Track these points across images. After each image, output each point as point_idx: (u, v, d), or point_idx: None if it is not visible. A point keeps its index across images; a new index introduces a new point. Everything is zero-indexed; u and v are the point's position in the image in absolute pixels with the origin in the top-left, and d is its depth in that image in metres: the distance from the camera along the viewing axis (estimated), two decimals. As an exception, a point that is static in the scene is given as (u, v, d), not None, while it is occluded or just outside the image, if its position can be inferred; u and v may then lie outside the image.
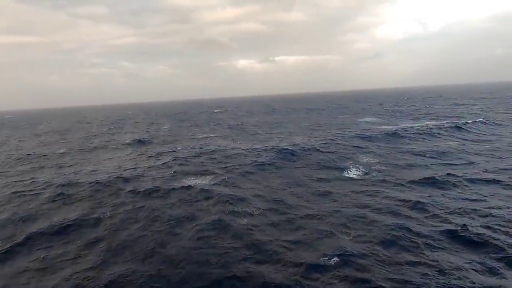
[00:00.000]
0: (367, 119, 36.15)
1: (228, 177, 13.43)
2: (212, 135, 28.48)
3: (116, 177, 13.90)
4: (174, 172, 14.69)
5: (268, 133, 27.81)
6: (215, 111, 76.19)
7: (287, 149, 17.66)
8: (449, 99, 64.68)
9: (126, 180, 13.63)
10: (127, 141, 26.41)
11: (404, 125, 27.73)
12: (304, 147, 18.16)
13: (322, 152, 17.46)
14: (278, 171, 14.45)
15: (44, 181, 14.30)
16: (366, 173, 13.58)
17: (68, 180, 14.01)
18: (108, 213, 10.17)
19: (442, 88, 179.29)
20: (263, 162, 15.53)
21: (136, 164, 17.26)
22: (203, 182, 13.13)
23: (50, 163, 19.06)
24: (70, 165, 18.10)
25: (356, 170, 14.02)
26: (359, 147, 18.54)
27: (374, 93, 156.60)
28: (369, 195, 10.91)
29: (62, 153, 22.76)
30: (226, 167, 15.28)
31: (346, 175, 13.58)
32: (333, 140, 20.52)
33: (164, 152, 20.24)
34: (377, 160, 15.47)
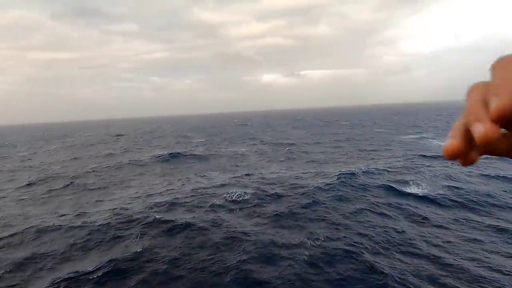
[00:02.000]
0: (424, 135, 32.46)
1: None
2: (253, 154, 25.66)
3: (150, 208, 11.35)
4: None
5: (315, 152, 24.84)
6: (244, 124, 74.15)
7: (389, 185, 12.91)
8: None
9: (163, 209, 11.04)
10: (159, 156, 24.13)
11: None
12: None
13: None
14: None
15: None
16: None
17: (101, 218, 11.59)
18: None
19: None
20: (362, 208, 12.55)
21: (173, 188, 14.72)
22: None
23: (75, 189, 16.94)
24: (97, 188, 15.86)
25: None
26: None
27: (403, 107, 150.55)
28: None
29: (87, 172, 20.74)
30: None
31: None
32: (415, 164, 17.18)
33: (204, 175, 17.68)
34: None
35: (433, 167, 16.07)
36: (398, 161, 17.96)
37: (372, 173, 14.76)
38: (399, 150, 22.32)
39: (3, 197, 14.94)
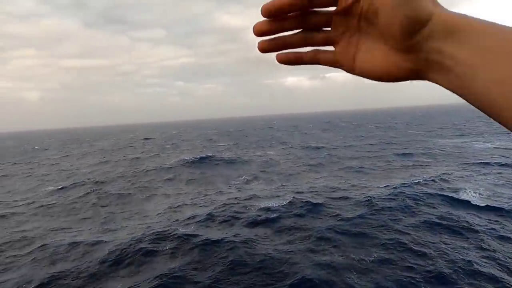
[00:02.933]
0: (464, 139, 30.15)
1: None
2: (283, 159, 24.48)
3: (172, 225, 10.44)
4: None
5: (348, 158, 23.34)
6: (269, 127, 73.08)
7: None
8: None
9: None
10: (186, 161, 23.39)
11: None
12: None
13: None
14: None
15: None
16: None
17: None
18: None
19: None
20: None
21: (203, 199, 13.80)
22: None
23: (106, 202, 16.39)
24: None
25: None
26: None
27: (427, 109, 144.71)
28: None
29: (117, 177, 20.26)
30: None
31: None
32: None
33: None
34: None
35: (488, 174, 14.36)
36: (449, 168, 16.29)
37: (421, 182, 13.24)
38: (443, 156, 20.50)
39: (32, 202, 14.56)
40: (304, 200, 11.36)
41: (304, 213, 10.31)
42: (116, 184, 17.30)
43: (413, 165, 18.02)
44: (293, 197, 11.99)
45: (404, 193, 11.58)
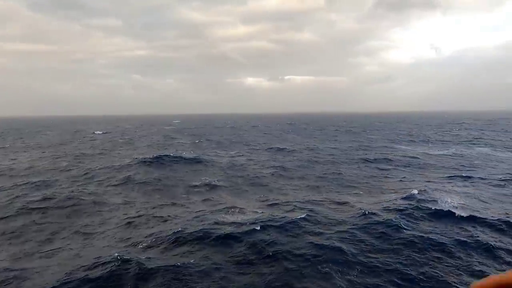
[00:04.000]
0: (451, 149, 30.42)
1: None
2: (251, 163, 22.66)
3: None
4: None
5: (325, 163, 22.15)
6: (231, 126, 71.11)
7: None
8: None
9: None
10: (142, 161, 20.74)
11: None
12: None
13: None
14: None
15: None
16: None
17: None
18: None
19: (461, 113, 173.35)
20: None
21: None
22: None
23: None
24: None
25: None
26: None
27: (384, 116, 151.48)
28: None
29: (59, 178, 17.24)
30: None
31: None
32: None
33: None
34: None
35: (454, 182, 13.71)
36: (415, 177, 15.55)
37: (394, 194, 12.14)
38: (406, 165, 19.98)
39: None
40: (274, 217, 9.58)
41: (274, 235, 8.54)
42: (56, 188, 14.46)
43: (382, 173, 17.20)
44: (262, 211, 10.25)
45: (383, 206, 10.34)
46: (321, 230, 8.60)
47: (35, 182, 15.25)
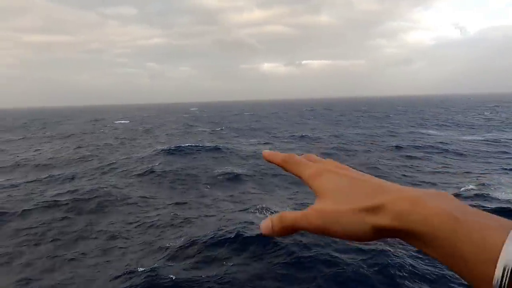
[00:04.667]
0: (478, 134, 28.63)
1: None
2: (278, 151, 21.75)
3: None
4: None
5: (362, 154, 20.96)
6: (251, 113, 70.11)
7: None
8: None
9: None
10: (161, 150, 20.12)
11: None
12: None
13: None
14: None
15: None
16: None
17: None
18: None
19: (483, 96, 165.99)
20: None
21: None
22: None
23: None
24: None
25: None
26: None
27: (406, 100, 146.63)
28: None
29: (77, 170, 16.81)
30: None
31: None
32: None
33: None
34: None
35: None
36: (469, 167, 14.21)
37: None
38: (451, 153, 18.55)
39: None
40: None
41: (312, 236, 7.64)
42: (77, 181, 13.96)
43: (420, 163, 15.91)
44: (295, 209, 9.33)
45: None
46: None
47: (57, 175, 14.82)
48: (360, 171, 0.51)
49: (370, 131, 30.03)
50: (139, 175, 14.67)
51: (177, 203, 10.47)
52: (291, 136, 27.92)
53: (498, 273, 0.32)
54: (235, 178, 13.92)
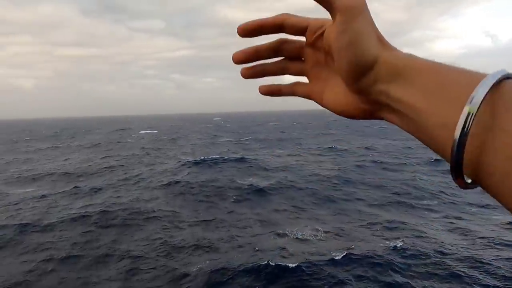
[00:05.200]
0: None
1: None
2: (310, 169, 20.85)
3: None
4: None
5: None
6: (275, 124, 69.54)
7: None
8: None
9: None
10: (185, 162, 19.72)
11: None
12: None
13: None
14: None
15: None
16: None
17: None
18: None
19: None
20: None
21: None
22: None
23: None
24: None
25: None
26: None
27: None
28: None
29: (101, 185, 16.63)
30: None
31: None
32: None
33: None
34: None
35: None
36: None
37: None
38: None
39: None
40: (354, 245, 7.78)
41: (359, 268, 6.82)
42: (102, 193, 13.69)
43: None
44: (335, 238, 8.48)
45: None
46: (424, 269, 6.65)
47: (83, 186, 14.67)
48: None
49: (401, 142, 28.65)
50: (164, 187, 14.27)
51: (203, 221, 9.88)
52: (318, 147, 27.01)
53: (462, 117, 0.30)
54: (262, 192, 13.24)
